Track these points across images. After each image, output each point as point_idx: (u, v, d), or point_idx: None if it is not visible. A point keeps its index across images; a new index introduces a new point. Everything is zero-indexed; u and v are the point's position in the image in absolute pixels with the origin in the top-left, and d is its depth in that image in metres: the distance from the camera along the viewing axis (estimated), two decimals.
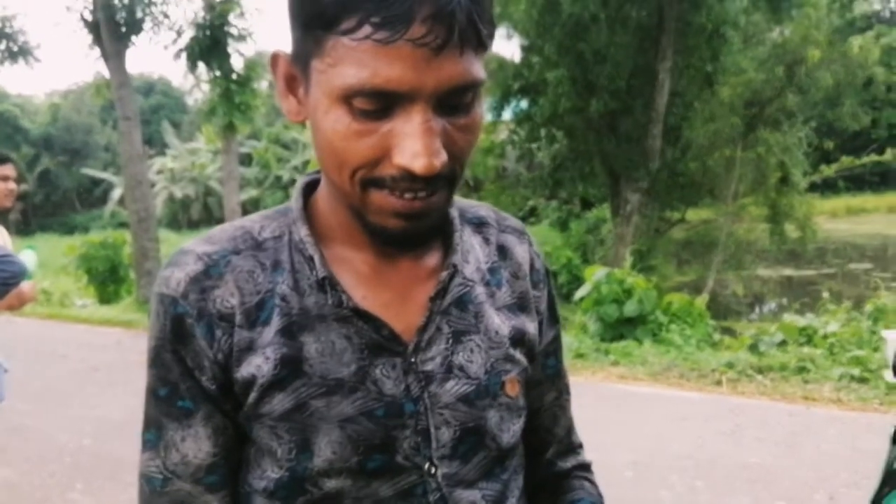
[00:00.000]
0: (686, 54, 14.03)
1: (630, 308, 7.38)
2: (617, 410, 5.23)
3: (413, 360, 0.80)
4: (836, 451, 4.28)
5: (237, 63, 11.47)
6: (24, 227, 39.19)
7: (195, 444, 0.79)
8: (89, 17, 11.38)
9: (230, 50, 11.25)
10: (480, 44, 0.68)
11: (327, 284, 0.78)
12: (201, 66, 11.40)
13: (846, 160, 18.55)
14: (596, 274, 7.71)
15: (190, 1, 11.73)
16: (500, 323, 0.86)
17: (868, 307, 7.15)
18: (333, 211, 0.81)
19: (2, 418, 5.16)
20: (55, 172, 41.27)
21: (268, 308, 0.78)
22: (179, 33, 11.46)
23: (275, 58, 0.76)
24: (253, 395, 0.77)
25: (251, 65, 11.56)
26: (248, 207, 30.78)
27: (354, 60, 0.65)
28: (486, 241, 0.91)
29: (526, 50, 16.16)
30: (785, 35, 14.65)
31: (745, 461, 4.21)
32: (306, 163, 33.82)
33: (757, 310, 16.60)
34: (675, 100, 14.57)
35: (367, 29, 0.63)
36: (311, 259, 0.79)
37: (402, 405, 0.79)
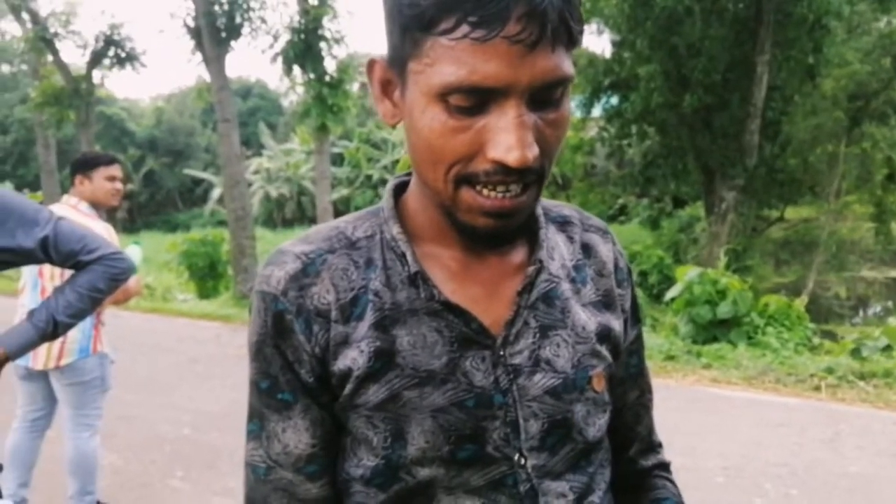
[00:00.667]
0: (785, 46, 13.46)
1: (724, 309, 7.16)
2: (708, 414, 5.09)
3: (502, 353, 0.82)
4: None
5: (330, 66, 11.74)
6: (129, 225, 41.24)
7: (295, 436, 0.83)
8: (192, 24, 11.87)
9: (323, 53, 11.52)
10: (571, 41, 0.70)
11: (419, 279, 0.81)
12: (296, 69, 11.72)
13: None
14: (688, 274, 7.52)
15: (286, 6, 12.04)
16: (586, 319, 0.88)
17: None
18: (423, 210, 0.84)
19: (110, 407, 5.46)
20: (159, 173, 43.21)
21: (361, 304, 0.82)
22: (276, 37, 11.83)
23: (371, 64, 0.80)
24: (349, 387, 0.80)
25: (343, 67, 11.81)
26: (339, 206, 31.48)
27: (452, 59, 0.68)
28: (571, 239, 0.93)
29: (617, 45, 15.88)
30: (892, 25, 13.86)
31: (844, 470, 4.03)
32: (395, 162, 34.25)
33: (861, 313, 15.81)
34: (773, 94, 14.02)
35: (464, 28, 0.66)
36: (402, 256, 0.82)
37: (492, 397, 0.81)
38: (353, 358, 0.80)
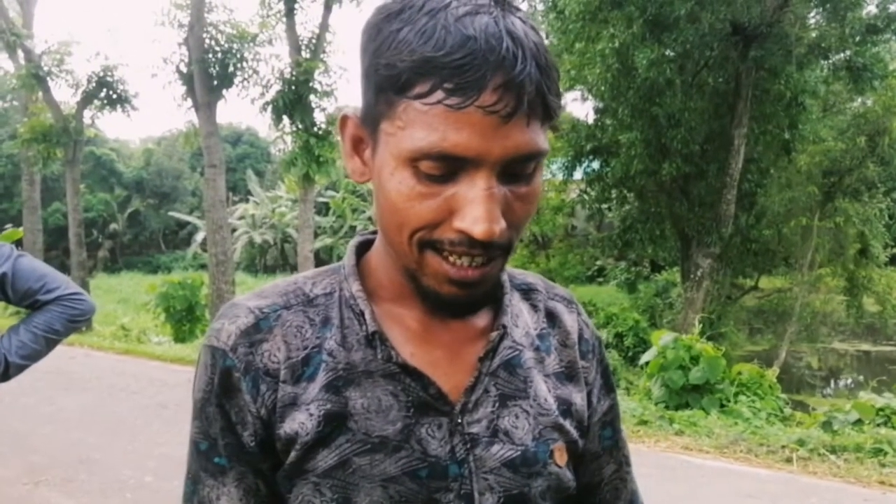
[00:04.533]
0: (762, 121, 13.83)
1: (696, 375, 7.19)
2: (680, 483, 5.07)
3: (459, 420, 0.79)
4: None
5: (319, 117, 11.90)
6: (111, 265, 40.84)
7: None
8: (184, 70, 12.02)
9: (313, 105, 11.68)
10: (547, 115, 0.70)
11: (377, 339, 0.78)
12: (285, 118, 11.86)
13: None
14: (662, 338, 7.56)
15: (278, 58, 12.25)
16: (547, 391, 0.85)
17: None
18: (386, 269, 0.81)
19: (70, 450, 5.34)
20: (144, 214, 42.99)
21: (314, 363, 0.78)
22: (267, 87, 11.99)
23: (343, 119, 0.79)
24: (294, 454, 0.77)
25: (332, 120, 11.96)
26: (323, 255, 31.41)
27: (425, 124, 0.66)
28: (535, 307, 0.91)
29: (599, 112, 16.25)
30: (867, 105, 14.32)
31: None
32: None
33: (832, 384, 15.90)
34: (749, 166, 14.35)
35: (439, 94, 0.65)
36: (361, 314, 0.79)
37: (447, 467, 0.77)
38: (301, 422, 0.76)
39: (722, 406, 7.18)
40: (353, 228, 35.53)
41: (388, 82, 0.69)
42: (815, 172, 14.13)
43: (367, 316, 0.79)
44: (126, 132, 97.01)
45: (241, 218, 38.14)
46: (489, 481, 0.79)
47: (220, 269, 12.28)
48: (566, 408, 0.87)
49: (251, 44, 12.10)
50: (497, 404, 0.81)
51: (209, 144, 11.95)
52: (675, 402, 7.23)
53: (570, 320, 0.92)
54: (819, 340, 15.59)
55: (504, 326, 0.82)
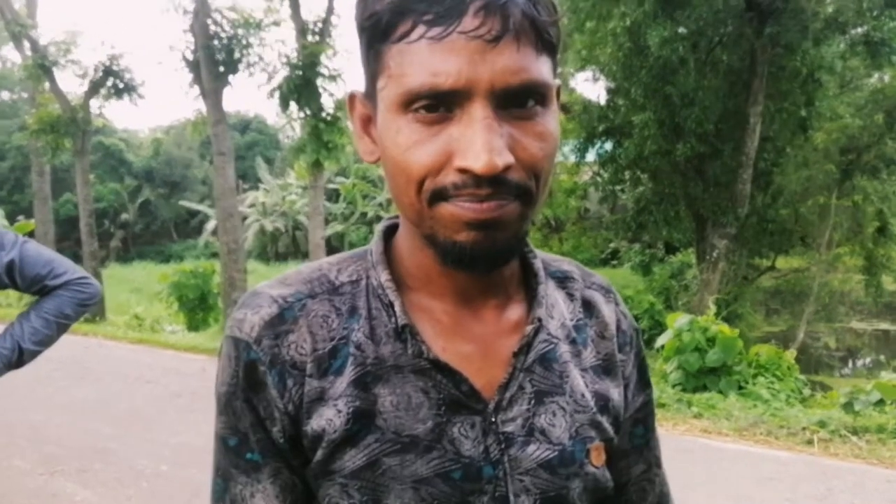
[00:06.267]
0: (778, 99, 13.63)
1: (712, 357, 7.11)
2: (699, 466, 5.00)
3: (493, 419, 0.74)
4: None
5: (327, 103, 11.81)
6: (123, 255, 41.10)
7: (264, 503, 0.75)
8: (190, 57, 11.97)
9: (321, 90, 11.59)
10: (542, 41, 0.65)
11: (407, 333, 0.74)
12: (292, 104, 11.79)
13: None
14: (678, 321, 7.48)
15: (284, 43, 12.15)
16: (584, 386, 0.81)
17: None
18: (412, 254, 0.77)
19: (85, 440, 5.36)
20: (155, 203, 43.21)
21: (341, 356, 0.74)
22: (272, 73, 11.91)
23: (351, 98, 0.75)
24: (321, 452, 0.73)
25: (340, 104, 11.88)
26: (334, 242, 31.47)
27: (411, 64, 0.64)
28: (571, 296, 0.86)
29: (612, 92, 16.06)
30: (884, 81, 14.10)
31: None
32: (391, 200, 34.30)
33: (850, 364, 15.78)
34: (765, 145, 14.16)
35: (420, 29, 0.63)
36: (389, 306, 0.75)
37: (481, 468, 0.73)
38: (329, 419, 0.72)
39: (740, 388, 7.10)
40: (363, 215, 35.59)
41: (373, 33, 0.67)
42: (832, 150, 13.93)
43: (398, 308, 0.75)
44: (134, 122, 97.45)
45: (252, 206, 38.24)
46: (525, 483, 0.75)
47: (232, 258, 12.26)
48: (603, 404, 0.82)
49: (256, 29, 12.02)
50: (533, 401, 0.77)
51: (217, 132, 11.90)
52: (693, 385, 7.16)
53: (607, 311, 0.87)
54: (837, 320, 15.49)
55: (539, 319, 0.78)
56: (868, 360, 15.87)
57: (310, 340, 0.74)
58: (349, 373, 0.73)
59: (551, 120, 0.68)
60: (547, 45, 0.66)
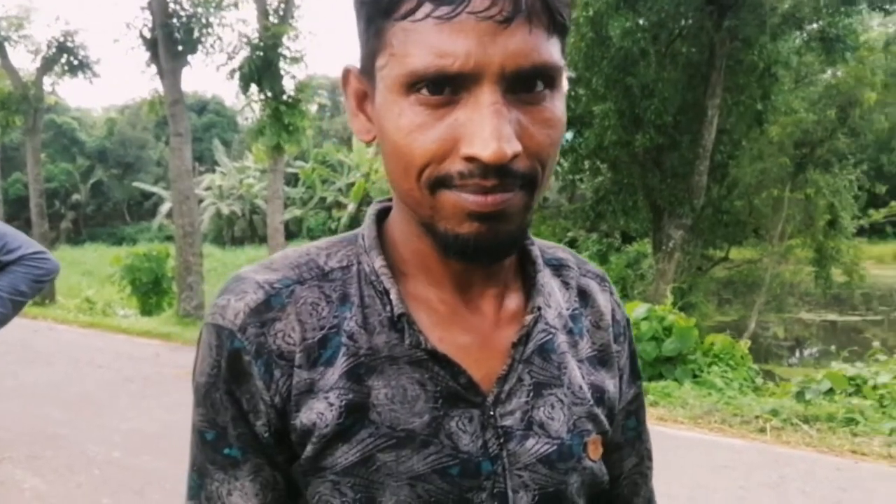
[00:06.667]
0: (735, 92, 13.84)
1: (669, 346, 7.22)
2: (655, 454, 5.05)
3: (492, 412, 0.72)
4: None
5: (288, 85, 11.64)
6: (74, 236, 40.15)
7: (242, 501, 0.71)
8: (148, 35, 11.69)
9: (282, 71, 11.42)
10: (554, 25, 0.62)
11: (404, 322, 0.70)
12: (253, 86, 11.60)
13: (895, 205, 18.14)
14: (636, 310, 7.57)
15: (245, 24, 11.93)
16: (581, 377, 0.79)
17: None
18: (407, 240, 0.74)
19: (35, 425, 5.22)
20: (108, 184, 42.29)
21: (332, 346, 0.70)
22: (233, 54, 11.69)
23: (346, 74, 0.71)
24: (311, 447, 0.69)
25: (302, 87, 11.72)
26: (292, 227, 31.17)
27: (416, 43, 0.60)
28: (566, 284, 0.83)
29: (573, 82, 16.11)
30: (838, 76, 14.41)
31: None
32: (350, 185, 34.16)
33: (798, 354, 16.19)
34: (722, 137, 14.38)
35: (427, 7, 0.60)
36: (384, 293, 0.72)
37: (480, 464, 0.71)
38: (320, 412, 0.68)
39: (695, 377, 7.23)
40: (322, 200, 35.30)
41: (375, 8, 0.63)
42: (786, 144, 14.23)
43: (394, 296, 0.71)
44: (88, 100, 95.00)
45: (208, 189, 37.68)
46: (523, 478, 0.72)
47: (188, 241, 12.05)
48: (599, 396, 0.80)
49: (217, 8, 11.78)
50: (531, 394, 0.74)
51: (174, 112, 11.65)
52: (649, 374, 7.26)
53: (603, 300, 0.85)
54: (787, 311, 15.84)
55: (538, 308, 0.75)
56: (815, 349, 16.28)
57: (298, 329, 0.70)
58: (341, 364, 0.70)
59: (559, 104, 0.65)
60: (559, 26, 0.63)
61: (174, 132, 11.75)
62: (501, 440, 0.72)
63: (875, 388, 6.32)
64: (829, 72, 14.98)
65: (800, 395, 6.38)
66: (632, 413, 0.89)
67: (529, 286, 0.77)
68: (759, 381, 7.61)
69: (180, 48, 11.52)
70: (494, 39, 0.59)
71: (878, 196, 18.43)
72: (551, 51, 0.62)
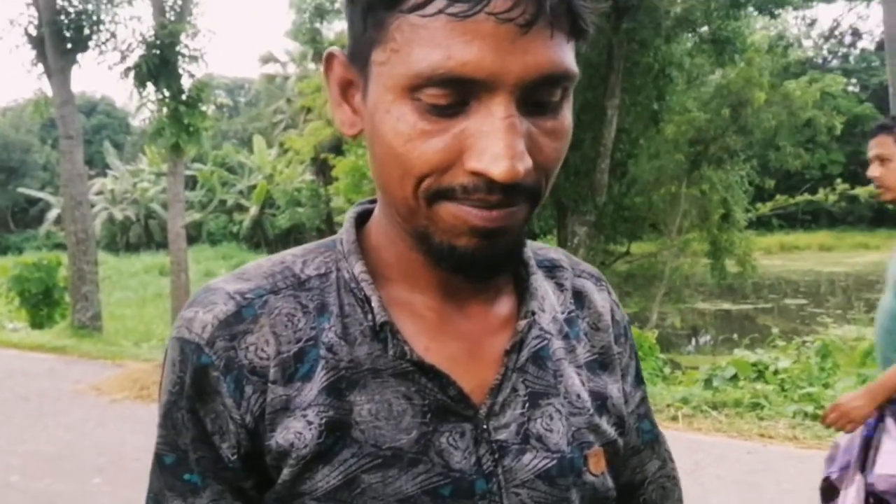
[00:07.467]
0: (633, 92, 14.33)
1: None
2: None
3: (485, 426, 0.67)
4: (796, 490, 4.28)
5: (187, 84, 11.23)
6: None
7: None
8: (34, 33, 11.05)
9: (180, 70, 11.00)
10: (574, 29, 0.58)
11: (386, 331, 0.65)
12: (150, 85, 11.13)
13: (780, 199, 19.22)
14: None
15: (140, 21, 11.42)
16: (580, 385, 0.74)
17: (816, 343, 7.28)
18: (391, 244, 0.68)
19: None
20: None
21: (309, 360, 0.65)
22: (127, 52, 11.18)
23: (329, 59, 0.65)
24: (289, 470, 0.64)
25: (201, 86, 11.33)
26: (191, 231, 30.12)
27: (424, 41, 0.54)
28: (560, 286, 0.79)
29: None
30: (728, 77, 15.13)
31: (706, 501, 4.18)
32: (252, 187, 33.42)
33: (696, 342, 16.91)
34: (621, 136, 14.85)
35: (440, 2, 0.54)
36: (365, 301, 0.66)
37: (473, 482, 0.65)
38: (298, 432, 0.63)
39: None
40: (223, 203, 34.36)
41: None
42: (681, 142, 14.83)
43: (375, 303, 0.66)
44: None
45: (99, 193, 36.06)
46: (521, 496, 0.67)
47: (81, 249, 11.46)
48: (601, 403, 0.75)
49: (109, 4, 11.24)
50: (527, 405, 0.69)
51: (64, 114, 11.05)
52: None
53: (600, 300, 0.81)
54: (684, 301, 16.47)
55: (532, 313, 0.70)
56: (712, 337, 17.04)
57: (273, 342, 0.64)
58: (320, 378, 0.64)
59: (568, 114, 0.61)
60: (580, 32, 0.59)
61: (64, 134, 11.16)
62: (496, 456, 0.67)
63: (776, 372, 6.65)
64: (719, 73, 15.70)
65: (708, 383, 6.63)
66: (643, 416, 0.86)
67: (522, 290, 0.73)
68: (666, 370, 7.87)
69: (70, 46, 10.94)
70: (513, 45, 0.54)
71: (764, 190, 19.48)
72: (570, 58, 0.58)
